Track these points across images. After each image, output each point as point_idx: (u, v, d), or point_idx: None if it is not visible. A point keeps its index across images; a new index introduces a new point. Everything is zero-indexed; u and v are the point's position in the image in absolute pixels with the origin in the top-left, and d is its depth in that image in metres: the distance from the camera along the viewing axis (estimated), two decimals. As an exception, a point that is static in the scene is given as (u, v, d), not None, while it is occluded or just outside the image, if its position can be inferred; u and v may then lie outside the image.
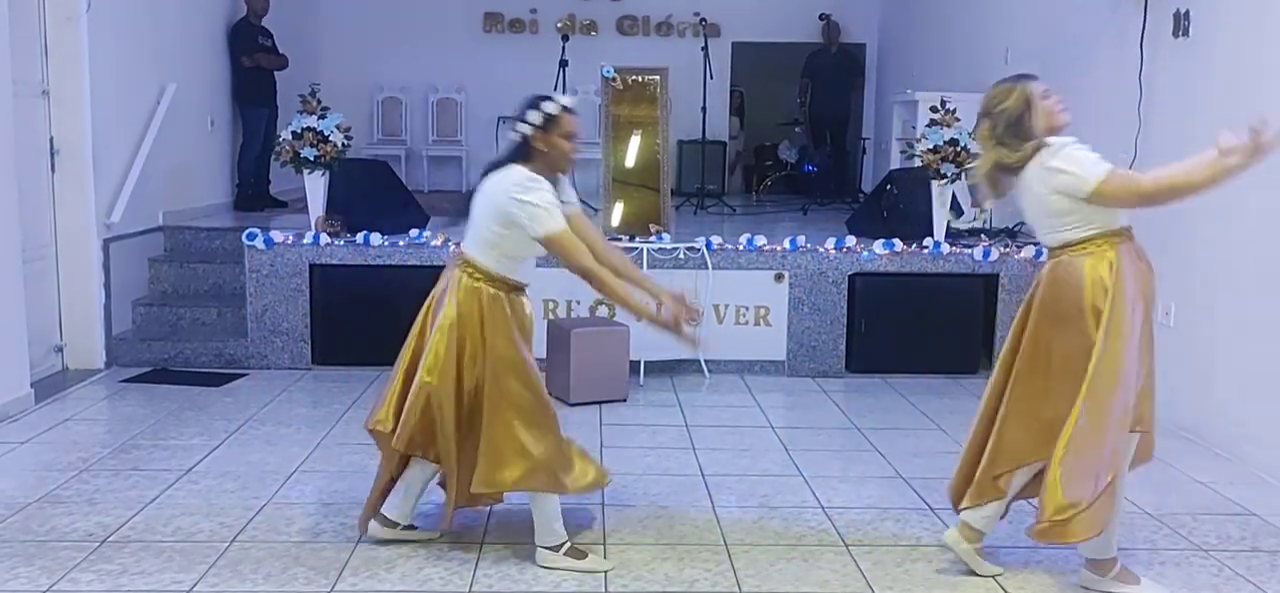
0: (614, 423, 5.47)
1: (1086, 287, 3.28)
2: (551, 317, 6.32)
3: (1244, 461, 4.89)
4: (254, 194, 8.46)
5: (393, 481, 3.76)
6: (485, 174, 3.58)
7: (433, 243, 6.49)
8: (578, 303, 6.40)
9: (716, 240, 6.55)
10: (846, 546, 3.89)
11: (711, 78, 9.43)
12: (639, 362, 6.28)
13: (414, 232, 6.62)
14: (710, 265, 6.44)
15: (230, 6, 8.53)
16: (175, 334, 6.66)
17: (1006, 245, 6.71)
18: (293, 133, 6.42)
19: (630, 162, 6.96)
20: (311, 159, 6.41)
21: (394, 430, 3.57)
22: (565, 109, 3.54)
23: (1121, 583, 3.47)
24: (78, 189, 6.19)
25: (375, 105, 11.31)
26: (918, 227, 6.72)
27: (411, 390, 3.53)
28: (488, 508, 3.98)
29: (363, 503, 3.82)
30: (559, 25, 11.15)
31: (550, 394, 5.82)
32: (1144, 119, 5.71)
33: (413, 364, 3.56)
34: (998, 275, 6.59)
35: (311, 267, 6.45)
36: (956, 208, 6.98)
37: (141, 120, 6.93)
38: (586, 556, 3.65)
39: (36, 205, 5.91)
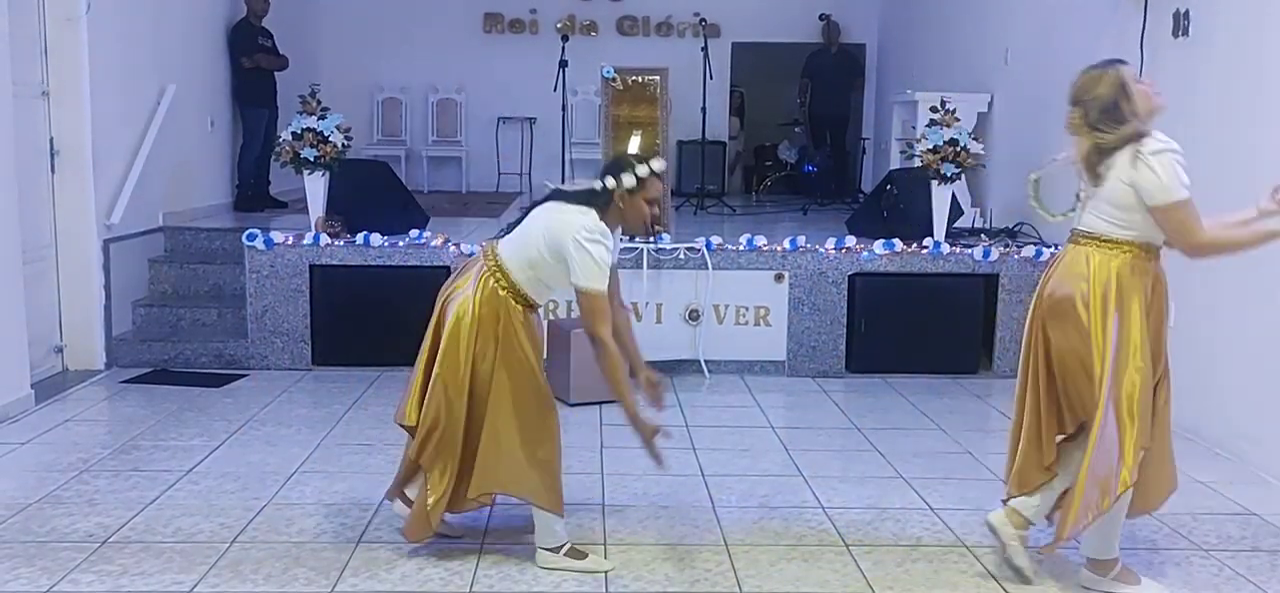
0: (614, 423, 5.46)
1: (1092, 278, 3.30)
2: (551, 317, 6.32)
3: (1244, 460, 4.89)
4: (254, 195, 8.46)
5: (416, 466, 3.74)
6: (553, 196, 3.58)
7: (433, 243, 6.49)
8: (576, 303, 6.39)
9: (716, 240, 6.55)
10: (846, 546, 3.89)
11: (711, 78, 9.43)
12: (639, 362, 6.27)
13: (414, 232, 6.61)
14: (710, 266, 6.44)
15: (230, 7, 8.53)
16: (175, 335, 6.66)
17: (1006, 245, 6.71)
18: (293, 133, 6.42)
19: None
20: (311, 160, 6.41)
21: (418, 424, 3.57)
22: (654, 173, 3.53)
23: (1122, 583, 3.47)
24: (78, 190, 6.18)
25: (375, 106, 11.31)
26: (918, 227, 6.72)
27: (430, 384, 3.54)
28: (488, 509, 3.97)
29: (363, 504, 3.82)
30: (559, 26, 11.13)
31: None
32: (1144, 119, 5.70)
33: (432, 358, 3.57)
34: (998, 275, 6.59)
35: (311, 267, 6.45)
36: (956, 208, 6.98)
37: (142, 121, 6.93)
38: (586, 556, 3.65)
39: (36, 206, 5.91)
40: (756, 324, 6.55)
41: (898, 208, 7.02)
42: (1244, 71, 4.98)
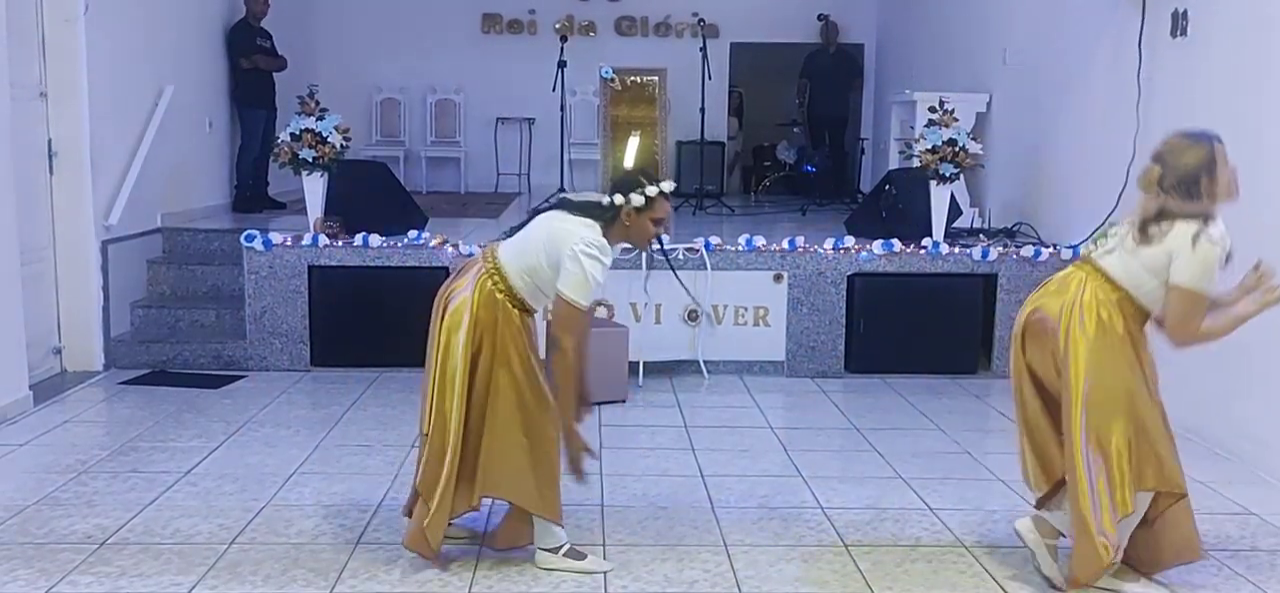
0: (613, 424, 5.47)
1: (1084, 301, 3.30)
2: (550, 318, 6.31)
3: (1243, 460, 4.89)
4: (252, 196, 8.45)
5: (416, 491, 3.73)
6: (559, 205, 3.56)
7: (431, 244, 6.49)
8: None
9: (715, 241, 6.55)
10: (846, 546, 3.89)
11: (710, 78, 9.42)
12: (638, 362, 6.28)
13: (413, 233, 6.61)
14: (709, 266, 6.44)
15: (228, 8, 8.53)
16: (174, 336, 6.65)
17: (1005, 245, 6.71)
18: (291, 134, 6.42)
19: (629, 162, 6.97)
20: (310, 160, 6.41)
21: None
22: (662, 193, 3.49)
23: (1121, 581, 3.47)
24: (76, 191, 6.18)
25: (373, 106, 11.30)
26: (916, 227, 6.72)
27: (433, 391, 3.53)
28: (486, 509, 3.97)
29: (362, 505, 3.80)
30: (557, 26, 11.14)
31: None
32: (1142, 119, 5.71)
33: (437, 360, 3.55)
34: (996, 275, 6.59)
35: (310, 268, 6.45)
36: (955, 208, 6.98)
37: (140, 122, 6.93)
38: (586, 557, 3.64)
39: (34, 207, 5.90)
40: (755, 324, 6.54)
41: (896, 208, 7.02)
42: (1243, 72, 4.98)
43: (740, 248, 6.54)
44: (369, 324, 6.36)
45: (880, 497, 4.41)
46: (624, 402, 5.85)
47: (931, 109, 6.81)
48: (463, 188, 11.23)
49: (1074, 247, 6.48)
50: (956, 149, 6.49)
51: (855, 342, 6.58)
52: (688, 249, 6.45)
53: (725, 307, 6.52)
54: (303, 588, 3.45)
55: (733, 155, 12.86)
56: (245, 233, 6.48)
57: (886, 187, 7.29)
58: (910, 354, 6.56)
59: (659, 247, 3.55)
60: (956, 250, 6.59)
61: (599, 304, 6.35)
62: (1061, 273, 3.52)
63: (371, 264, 6.46)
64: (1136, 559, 3.50)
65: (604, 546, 3.82)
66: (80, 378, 6.17)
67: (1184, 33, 5.44)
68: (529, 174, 11.15)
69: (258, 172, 8.50)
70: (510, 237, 3.61)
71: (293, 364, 6.46)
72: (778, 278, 6.52)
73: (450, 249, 6.44)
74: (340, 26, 11.18)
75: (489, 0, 11.58)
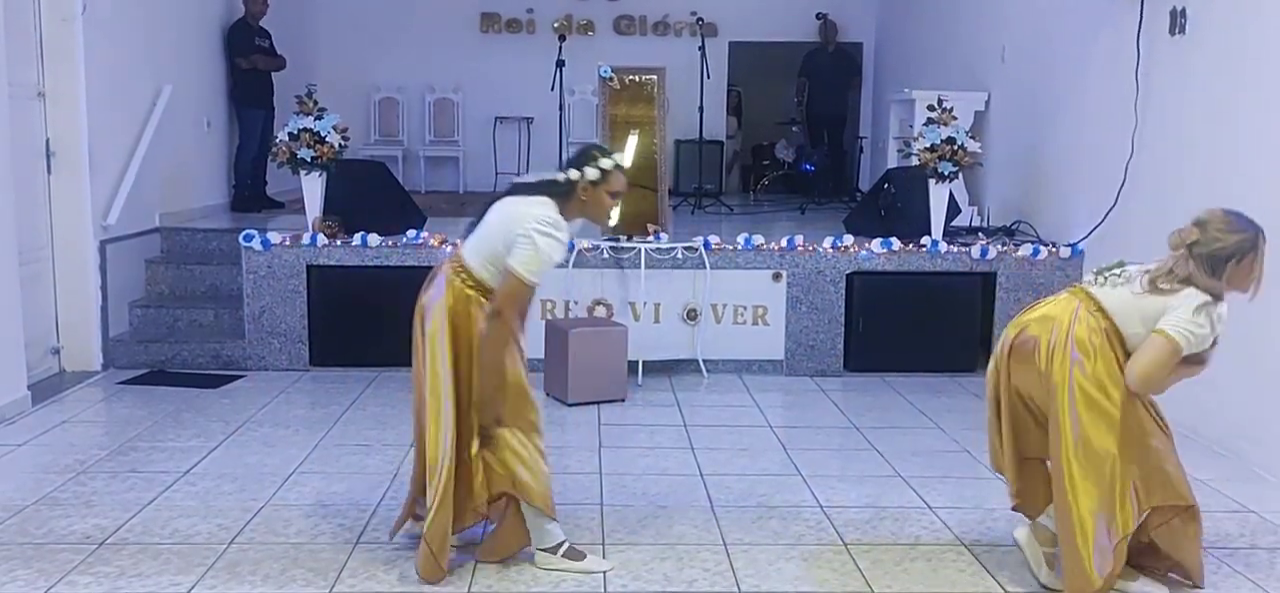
0: (612, 423, 5.47)
1: (1078, 326, 3.30)
2: (549, 317, 6.32)
3: (1243, 458, 4.89)
4: (251, 195, 8.45)
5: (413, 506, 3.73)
6: (514, 190, 3.55)
7: (430, 243, 6.48)
8: (575, 303, 6.40)
9: (714, 240, 6.55)
10: (845, 544, 3.89)
11: (709, 77, 9.44)
12: (637, 361, 6.28)
13: (411, 232, 6.61)
14: (708, 265, 6.44)
15: (227, 8, 8.52)
16: (172, 336, 6.65)
17: (1004, 243, 6.71)
18: (289, 134, 6.41)
19: (628, 161, 6.94)
20: (308, 160, 6.40)
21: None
22: (617, 167, 3.49)
23: (1125, 580, 3.46)
24: (74, 191, 6.17)
25: (372, 106, 11.29)
26: (915, 225, 6.72)
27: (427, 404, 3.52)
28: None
29: (361, 505, 3.79)
30: (556, 25, 11.15)
31: (549, 394, 5.86)
32: (1140, 116, 5.71)
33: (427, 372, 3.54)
34: (995, 274, 6.59)
35: (309, 268, 6.44)
36: (954, 206, 6.98)
37: (138, 122, 6.92)
38: (585, 556, 3.64)
39: (33, 207, 5.90)
40: (754, 323, 6.54)
41: (895, 206, 7.02)
42: (1240, 69, 4.98)
43: (739, 247, 6.54)
44: (368, 324, 6.35)
45: (879, 495, 4.41)
46: (623, 401, 5.85)
47: (930, 107, 6.80)
48: (461, 187, 11.22)
49: (1073, 245, 6.49)
50: (955, 147, 6.49)
51: (854, 340, 6.58)
52: (686, 248, 6.45)
53: (724, 306, 6.52)
54: (302, 588, 3.45)
55: (731, 154, 12.87)
56: (244, 233, 6.47)
57: (885, 185, 7.29)
58: (909, 353, 6.56)
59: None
60: (955, 249, 6.59)
61: (598, 303, 6.36)
62: (1052, 297, 3.52)
63: (370, 264, 6.46)
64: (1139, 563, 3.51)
65: (603, 545, 3.82)
66: (79, 378, 6.17)
67: (1182, 30, 5.44)
68: (528, 173, 11.13)
69: (256, 171, 8.50)
70: (470, 233, 3.57)
71: (291, 364, 6.46)
72: (777, 277, 6.52)
73: (449, 249, 6.43)
74: (339, 26, 11.18)
75: (487, 0, 11.58)
